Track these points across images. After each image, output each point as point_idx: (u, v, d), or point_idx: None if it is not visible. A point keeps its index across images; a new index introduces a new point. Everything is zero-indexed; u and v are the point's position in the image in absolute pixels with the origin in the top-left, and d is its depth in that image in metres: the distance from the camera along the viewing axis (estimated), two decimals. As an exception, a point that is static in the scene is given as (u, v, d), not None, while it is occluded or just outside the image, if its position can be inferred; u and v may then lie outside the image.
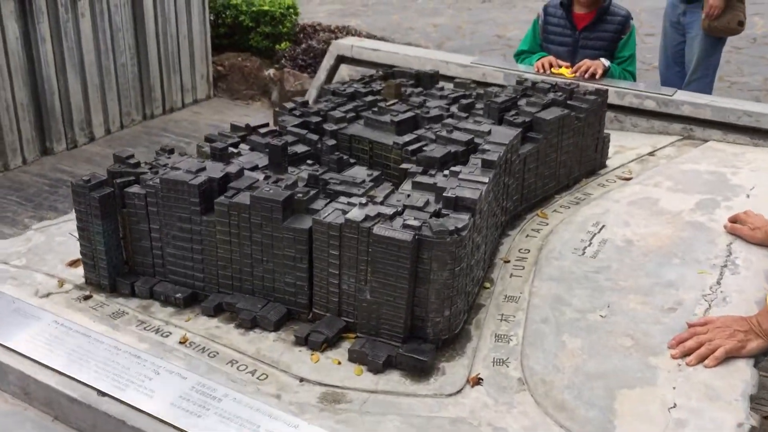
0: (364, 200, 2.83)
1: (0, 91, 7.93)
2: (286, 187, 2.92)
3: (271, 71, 10.68)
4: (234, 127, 3.80)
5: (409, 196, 2.93)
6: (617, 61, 5.34)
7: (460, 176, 3.01)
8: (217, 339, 2.85)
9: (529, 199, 3.83)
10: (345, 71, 5.82)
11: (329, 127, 3.91)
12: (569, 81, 4.17)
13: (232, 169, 3.06)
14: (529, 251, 3.45)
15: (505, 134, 3.49)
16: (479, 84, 5.34)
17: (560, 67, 5.23)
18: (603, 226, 3.61)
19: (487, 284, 3.19)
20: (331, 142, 3.52)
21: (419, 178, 3.09)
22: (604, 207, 3.81)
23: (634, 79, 5.40)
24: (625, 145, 4.68)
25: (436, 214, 2.79)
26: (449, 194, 2.81)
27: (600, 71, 5.13)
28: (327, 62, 5.88)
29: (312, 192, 2.95)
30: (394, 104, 4.07)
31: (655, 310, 2.94)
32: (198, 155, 3.62)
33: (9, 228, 7.14)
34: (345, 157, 3.46)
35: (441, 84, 4.57)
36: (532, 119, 3.79)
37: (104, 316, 2.97)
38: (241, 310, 2.94)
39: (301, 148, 3.54)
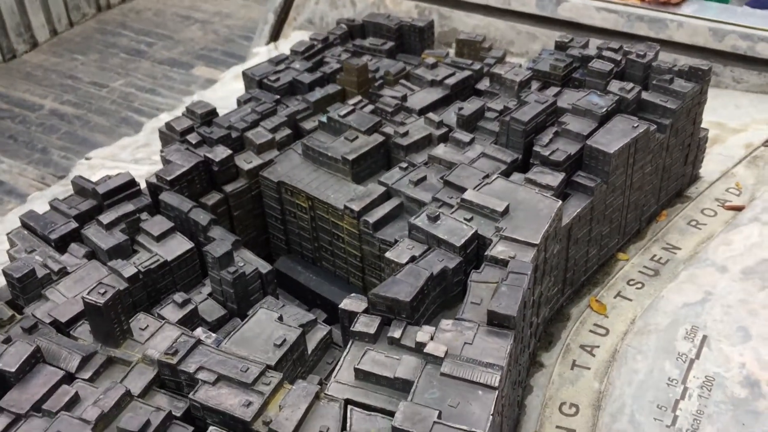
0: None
1: None
2: (101, 423, 1.48)
3: (251, -63, 8.65)
4: (78, 191, 2.26)
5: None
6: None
7: (447, 369, 1.53)
8: None
9: (576, 280, 2.32)
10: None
11: (246, 162, 2.37)
12: (642, 50, 2.48)
13: (10, 360, 1.60)
14: (577, 411, 2.01)
15: (535, 213, 1.93)
16: (503, 14, 3.62)
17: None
18: (704, 339, 2.12)
19: None
20: (224, 247, 1.98)
21: (366, 357, 1.62)
22: (701, 286, 2.29)
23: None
24: (725, 122, 3.03)
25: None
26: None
27: None
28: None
29: None
30: (356, 107, 2.47)
31: None
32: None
33: None
34: (246, 270, 1.95)
35: (438, 49, 2.91)
36: (583, 149, 2.19)
37: None
38: None
39: (174, 248, 2.03)
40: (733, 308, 2.20)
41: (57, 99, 6.68)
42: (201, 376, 1.61)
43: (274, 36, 4.35)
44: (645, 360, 2.10)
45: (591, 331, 2.23)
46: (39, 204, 3.07)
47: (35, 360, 1.63)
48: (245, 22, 7.87)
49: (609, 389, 2.05)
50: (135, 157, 3.25)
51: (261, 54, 4.05)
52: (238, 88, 3.72)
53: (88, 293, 1.67)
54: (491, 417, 1.46)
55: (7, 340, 1.66)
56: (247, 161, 2.38)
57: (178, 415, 1.58)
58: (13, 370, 1.58)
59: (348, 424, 1.51)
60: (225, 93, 3.69)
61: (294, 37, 4.18)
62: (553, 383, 2.10)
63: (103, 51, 7.45)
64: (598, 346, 2.18)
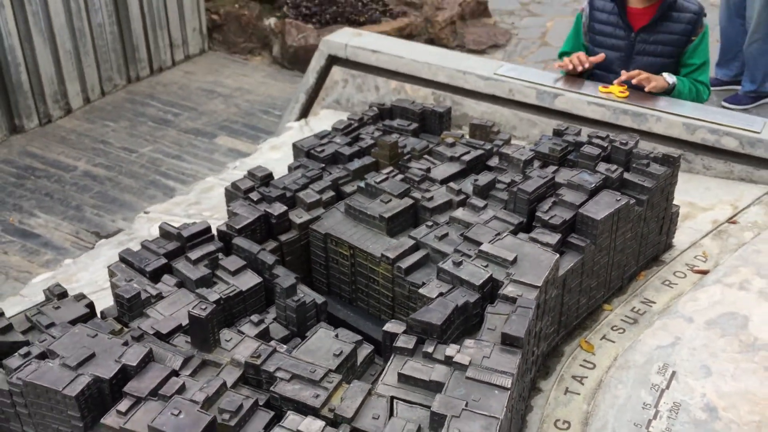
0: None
1: (-47, 69, 6.90)
2: (206, 405, 1.93)
3: (272, 21, 9.41)
4: (164, 235, 2.75)
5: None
6: (686, 71, 4.13)
7: (470, 374, 2.00)
8: None
9: (569, 323, 2.80)
10: (338, 74, 4.69)
11: (297, 217, 2.87)
12: (625, 139, 3.04)
13: (131, 358, 2.06)
14: (569, 426, 2.46)
15: (537, 263, 2.43)
16: (508, 103, 4.21)
17: (609, 84, 4.05)
18: (673, 374, 2.58)
19: (509, 503, 2.21)
20: (289, 280, 2.47)
21: (407, 365, 2.08)
22: (672, 333, 2.77)
23: (708, 92, 4.20)
24: (695, 202, 3.57)
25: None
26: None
27: (654, 85, 3.93)
28: (316, 63, 4.73)
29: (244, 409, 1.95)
30: (389, 175, 2.99)
31: None
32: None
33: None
34: (306, 300, 2.43)
35: (455, 131, 3.47)
36: (576, 216, 2.70)
37: None
38: None
39: (247, 281, 2.52)
40: (697, 351, 2.68)
41: (90, 161, 7.22)
42: (279, 374, 2.07)
43: (304, 113, 4.93)
44: (625, 389, 2.56)
45: (581, 365, 2.70)
46: (106, 249, 3.56)
47: (148, 359, 2.09)
48: (264, 97, 8.52)
49: (595, 410, 2.51)
50: (188, 212, 3.75)
51: (294, 128, 4.61)
52: (274, 157, 4.27)
53: (193, 308, 2.14)
54: (505, 409, 1.92)
55: (125, 343, 2.12)
56: (298, 216, 2.88)
57: (261, 404, 2.03)
58: (134, 364, 2.04)
59: (395, 413, 1.96)
60: (263, 161, 4.22)
61: (322, 115, 4.76)
62: (550, 404, 2.55)
63: (132, 119, 8.05)
64: (586, 377, 2.65)
